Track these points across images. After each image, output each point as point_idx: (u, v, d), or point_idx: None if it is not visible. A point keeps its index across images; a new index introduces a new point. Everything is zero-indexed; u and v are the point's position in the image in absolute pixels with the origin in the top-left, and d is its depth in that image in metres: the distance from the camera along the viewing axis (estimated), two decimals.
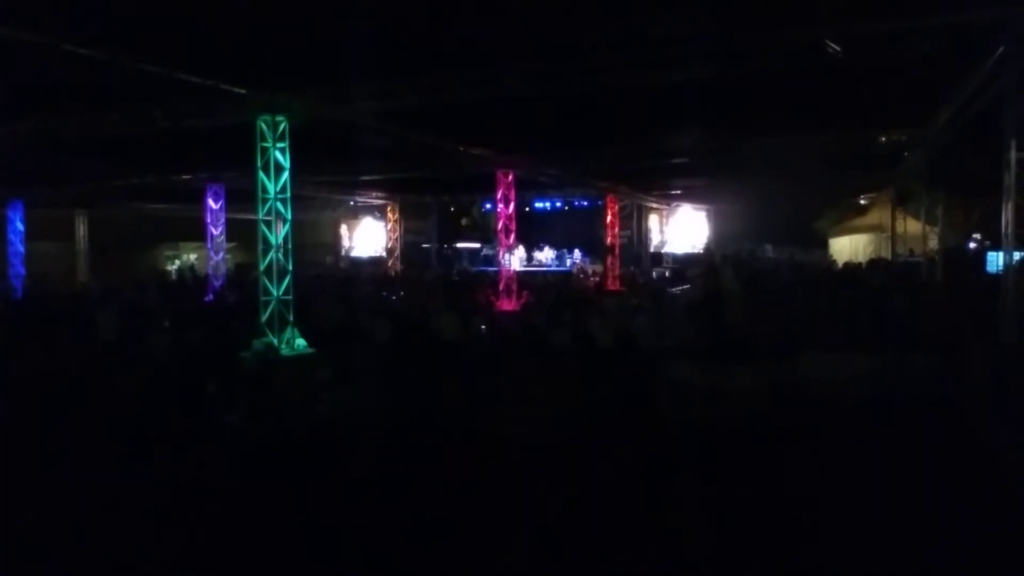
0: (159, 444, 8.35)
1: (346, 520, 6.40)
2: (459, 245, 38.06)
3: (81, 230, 29.91)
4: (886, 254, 25.93)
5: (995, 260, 15.71)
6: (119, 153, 17.16)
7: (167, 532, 6.30)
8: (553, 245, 35.72)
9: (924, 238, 21.78)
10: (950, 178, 18.81)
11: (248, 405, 9.85)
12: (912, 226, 23.40)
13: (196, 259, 34.06)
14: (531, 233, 33.81)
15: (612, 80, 10.51)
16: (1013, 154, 9.70)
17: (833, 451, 7.64)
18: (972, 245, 24.51)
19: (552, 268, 33.17)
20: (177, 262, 35.63)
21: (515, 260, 24.66)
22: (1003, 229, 10.05)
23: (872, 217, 29.17)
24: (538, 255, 35.48)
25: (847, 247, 30.46)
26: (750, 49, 9.58)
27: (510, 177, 20.66)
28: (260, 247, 11.99)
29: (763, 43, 9.42)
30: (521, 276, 23.78)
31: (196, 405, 9.61)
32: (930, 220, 21.22)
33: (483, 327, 14.34)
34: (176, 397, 9.96)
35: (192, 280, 28.43)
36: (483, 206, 35.20)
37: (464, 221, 38.89)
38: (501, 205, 20.97)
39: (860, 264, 26.12)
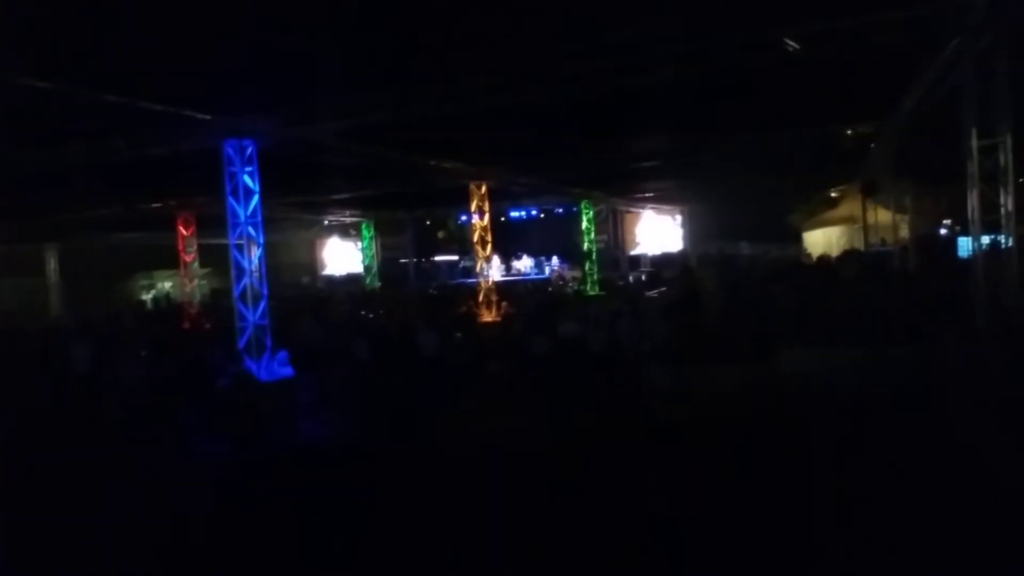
0: (132, 473, 8.17)
1: (320, 551, 6.30)
2: (437, 258, 37.98)
3: (51, 264, 29.47)
4: (859, 245, 26.23)
5: (966, 245, 15.89)
6: (85, 185, 16.91)
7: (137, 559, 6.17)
8: (531, 253, 35.75)
9: (895, 227, 22.06)
10: (916, 167, 19.05)
11: (225, 433, 9.72)
12: (883, 216, 23.70)
13: (171, 287, 33.68)
14: (508, 242, 33.79)
15: (578, 88, 10.50)
16: (975, 142, 9.85)
17: (819, 445, 7.65)
18: (943, 232, 24.84)
19: (531, 276, 33.17)
20: (152, 291, 35.22)
21: (494, 270, 24.62)
22: (970, 215, 10.20)
23: (843, 209, 29.48)
24: (516, 264, 35.47)
25: (821, 240, 30.75)
26: (711, 49, 9.62)
27: (483, 188, 20.63)
28: (233, 272, 11.86)
29: (723, 43, 9.47)
30: (500, 286, 23.74)
31: (172, 435, 9.46)
32: (899, 209, 21.50)
33: (463, 341, 14.29)
34: (152, 427, 9.79)
35: (168, 308, 28.12)
36: (459, 218, 35.16)
37: (440, 234, 38.80)
38: (476, 217, 20.93)
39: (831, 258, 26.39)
